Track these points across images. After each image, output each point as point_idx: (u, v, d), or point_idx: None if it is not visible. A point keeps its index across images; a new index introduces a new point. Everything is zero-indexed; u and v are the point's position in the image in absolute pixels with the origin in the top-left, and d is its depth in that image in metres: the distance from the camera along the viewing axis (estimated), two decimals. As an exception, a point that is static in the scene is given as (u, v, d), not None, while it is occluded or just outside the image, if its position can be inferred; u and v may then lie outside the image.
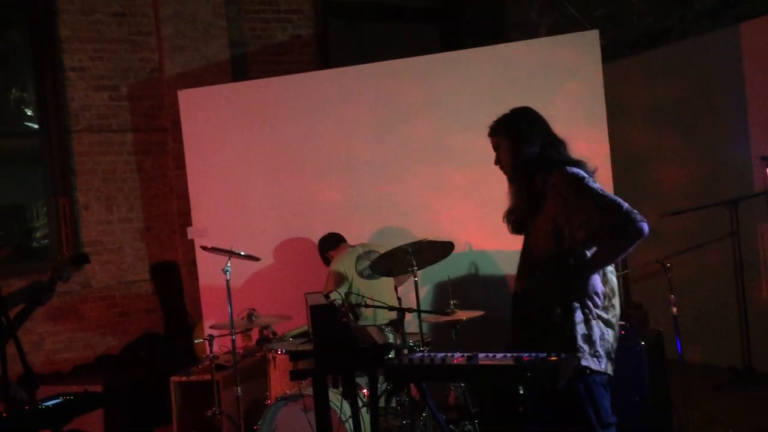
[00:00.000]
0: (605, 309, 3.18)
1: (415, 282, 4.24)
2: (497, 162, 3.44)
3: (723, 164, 6.13)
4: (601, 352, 3.14)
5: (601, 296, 3.17)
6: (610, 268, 3.26)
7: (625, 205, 3.05)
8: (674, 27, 6.90)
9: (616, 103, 6.14)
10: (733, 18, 6.26)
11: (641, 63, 6.81)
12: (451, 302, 4.51)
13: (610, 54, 6.59)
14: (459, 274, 5.41)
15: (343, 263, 4.98)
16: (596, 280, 3.17)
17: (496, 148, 3.43)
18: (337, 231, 5.35)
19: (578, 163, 3.25)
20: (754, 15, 5.96)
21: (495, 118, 3.43)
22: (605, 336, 3.16)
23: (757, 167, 5.81)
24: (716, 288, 6.17)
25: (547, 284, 3.19)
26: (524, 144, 3.30)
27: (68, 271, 3.75)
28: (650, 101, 6.71)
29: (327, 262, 5.25)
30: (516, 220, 3.39)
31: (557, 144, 3.33)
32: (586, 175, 3.18)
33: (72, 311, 6.56)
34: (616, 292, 3.27)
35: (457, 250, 4.63)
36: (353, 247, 5.16)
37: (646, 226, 3.00)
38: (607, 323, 3.18)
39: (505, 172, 3.43)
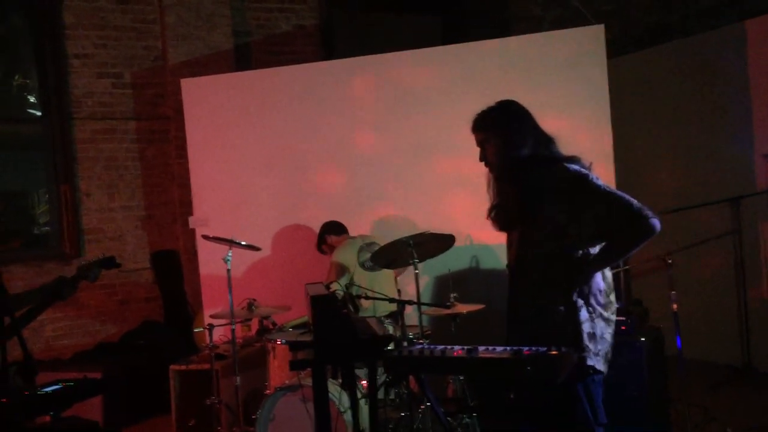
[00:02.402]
0: (604, 306, 3.10)
1: (416, 274, 4.24)
2: (483, 159, 3.25)
3: (726, 162, 6.12)
4: (601, 352, 3.08)
5: (603, 293, 3.11)
6: None
7: (635, 201, 2.97)
8: (679, 24, 6.88)
9: (620, 99, 6.13)
10: (738, 15, 6.24)
11: (645, 59, 6.79)
12: (452, 295, 4.51)
13: (613, 50, 6.56)
14: (459, 268, 5.41)
15: (345, 254, 4.98)
16: (598, 276, 3.09)
17: (481, 143, 3.24)
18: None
19: (573, 159, 3.12)
20: (758, 12, 5.94)
21: (478, 112, 3.24)
22: (604, 335, 3.09)
23: (759, 165, 5.81)
24: (717, 285, 6.17)
25: (549, 282, 3.09)
26: (516, 144, 3.12)
27: (96, 272, 3.85)
28: (654, 97, 6.69)
29: (323, 243, 5.23)
30: (505, 217, 3.26)
31: (548, 142, 3.16)
32: (588, 172, 3.08)
33: (72, 299, 6.48)
34: (612, 288, 3.19)
35: (458, 243, 4.62)
36: (354, 238, 5.16)
37: (658, 223, 2.92)
38: (608, 321, 3.11)
39: (492, 171, 3.25)
